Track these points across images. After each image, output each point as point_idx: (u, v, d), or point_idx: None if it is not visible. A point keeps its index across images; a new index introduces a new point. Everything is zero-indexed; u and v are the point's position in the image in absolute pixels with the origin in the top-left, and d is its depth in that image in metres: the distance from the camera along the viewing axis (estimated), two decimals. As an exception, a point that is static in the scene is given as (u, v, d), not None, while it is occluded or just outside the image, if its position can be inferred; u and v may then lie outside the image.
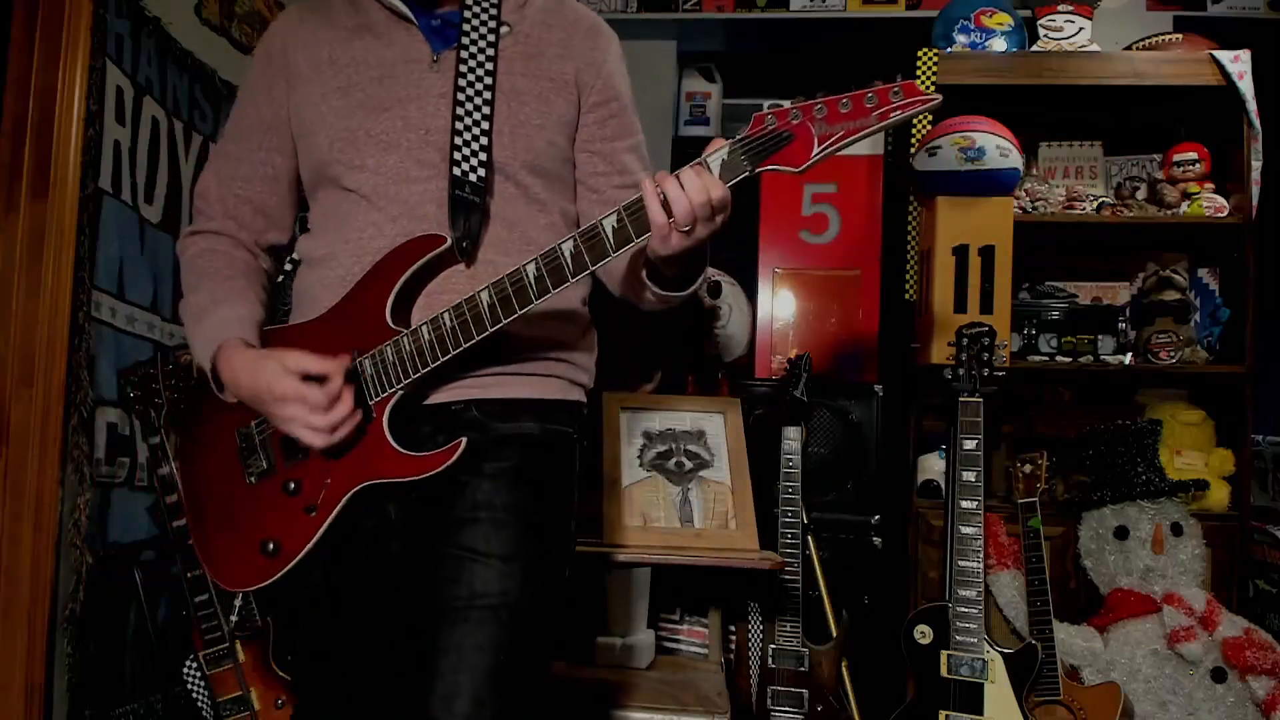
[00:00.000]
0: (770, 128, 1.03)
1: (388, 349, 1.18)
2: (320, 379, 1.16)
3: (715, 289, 2.78)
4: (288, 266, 1.50)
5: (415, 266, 1.18)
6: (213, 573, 1.31)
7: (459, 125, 1.26)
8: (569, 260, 1.10)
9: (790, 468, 2.42)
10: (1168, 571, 2.39)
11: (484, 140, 1.26)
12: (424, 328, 1.16)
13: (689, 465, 2.34)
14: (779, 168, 1.04)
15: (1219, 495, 2.58)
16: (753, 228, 3.01)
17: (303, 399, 1.15)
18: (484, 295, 1.13)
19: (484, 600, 1.17)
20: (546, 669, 1.28)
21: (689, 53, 3.69)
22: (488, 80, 1.29)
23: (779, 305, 2.97)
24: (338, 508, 1.19)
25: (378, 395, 1.19)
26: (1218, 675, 2.28)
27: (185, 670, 2.12)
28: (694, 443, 2.37)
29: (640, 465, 2.33)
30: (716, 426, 2.39)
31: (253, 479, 1.26)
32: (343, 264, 1.27)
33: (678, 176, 1.07)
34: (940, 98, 0.97)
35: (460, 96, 1.27)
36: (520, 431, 1.27)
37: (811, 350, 2.64)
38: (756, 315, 2.95)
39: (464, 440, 1.15)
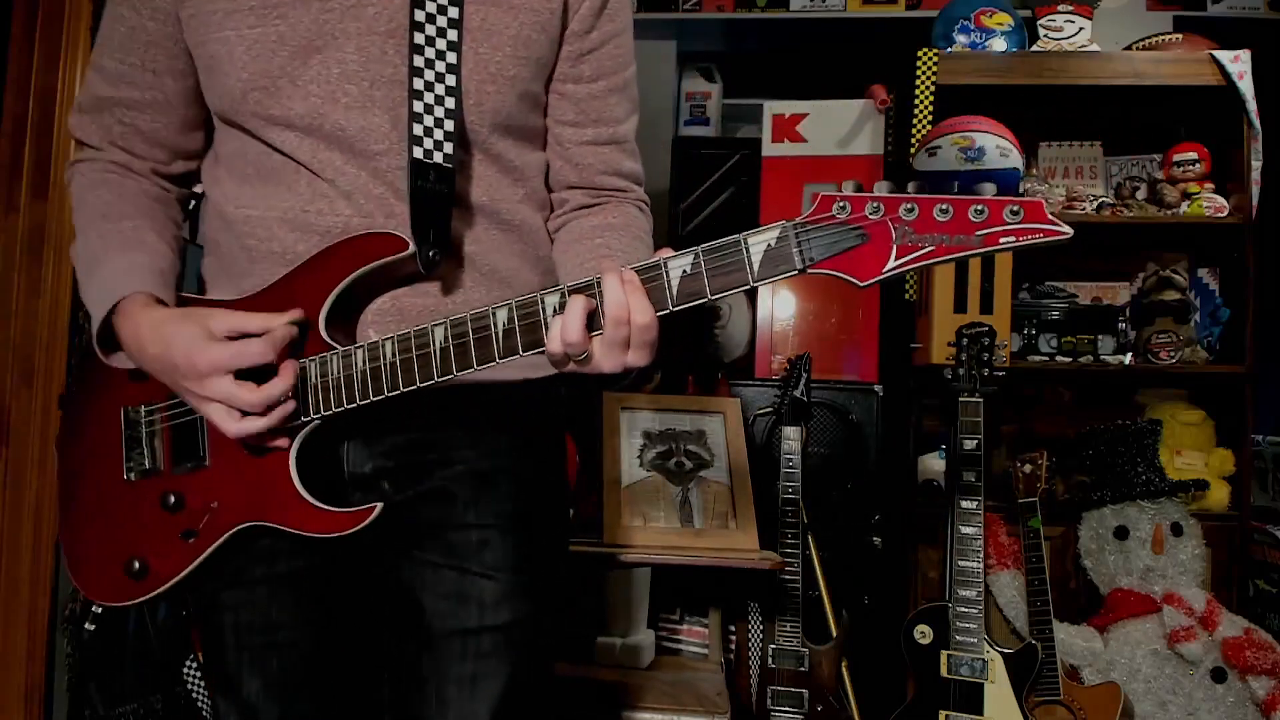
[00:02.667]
0: (841, 218, 0.81)
1: (311, 367, 0.95)
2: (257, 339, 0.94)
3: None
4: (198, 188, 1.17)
5: (361, 271, 0.95)
6: (74, 576, 1.09)
7: (418, 82, 0.97)
8: (549, 320, 0.87)
9: (790, 468, 2.42)
10: (1168, 571, 2.39)
11: (450, 102, 0.97)
12: (359, 352, 0.94)
13: (689, 465, 2.34)
14: (837, 274, 0.81)
15: (1219, 495, 2.58)
16: (753, 228, 3.01)
17: (235, 362, 0.91)
18: (438, 333, 0.91)
19: (494, 619, 1.04)
20: (553, 670, 1.17)
21: (689, 53, 3.69)
22: (452, 13, 0.98)
23: (779, 305, 2.96)
24: (218, 542, 1.00)
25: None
26: (1218, 675, 2.28)
27: (185, 670, 2.12)
28: (694, 443, 2.37)
29: (640, 465, 2.33)
30: (716, 426, 2.39)
31: (132, 476, 1.05)
32: (280, 239, 1.00)
33: (618, 278, 0.84)
34: (1070, 231, 0.77)
35: (419, 38, 0.97)
36: (519, 423, 1.09)
37: (811, 350, 2.64)
38: (756, 315, 2.95)
39: (379, 506, 0.95)
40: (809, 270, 0.82)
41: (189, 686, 2.12)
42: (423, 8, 0.97)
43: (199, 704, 2.12)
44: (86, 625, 1.96)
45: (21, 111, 1.93)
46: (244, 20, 0.97)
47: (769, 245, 0.83)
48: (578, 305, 0.85)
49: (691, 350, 2.80)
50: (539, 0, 1.03)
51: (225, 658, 1.05)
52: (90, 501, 1.08)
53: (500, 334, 0.89)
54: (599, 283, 0.86)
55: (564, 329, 0.85)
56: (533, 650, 1.08)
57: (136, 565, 1.03)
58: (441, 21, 0.98)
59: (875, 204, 0.80)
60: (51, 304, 1.92)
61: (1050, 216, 0.76)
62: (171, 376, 0.96)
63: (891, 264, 0.79)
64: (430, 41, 0.97)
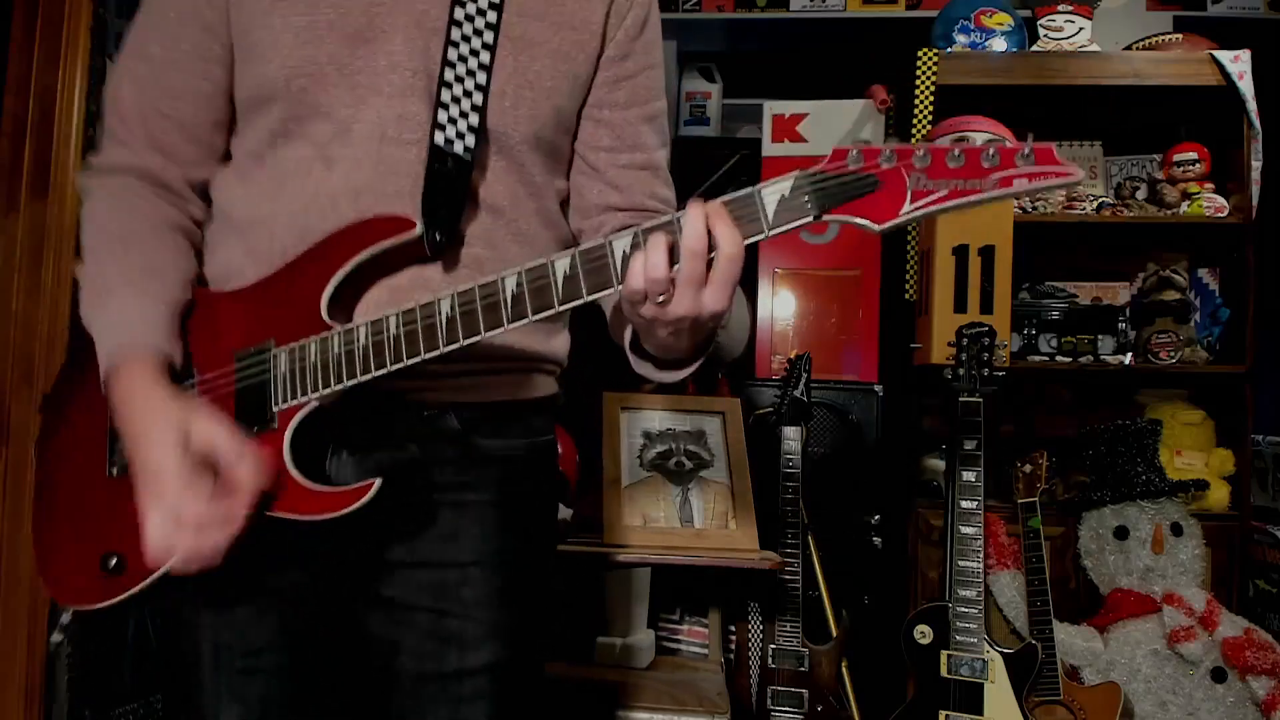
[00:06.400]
0: (853, 167, 0.80)
1: (311, 346, 0.93)
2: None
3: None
4: None
5: (368, 252, 0.94)
6: (45, 580, 1.03)
7: (449, 74, 0.99)
8: (559, 283, 0.86)
9: (790, 468, 2.41)
10: (1168, 571, 2.39)
11: (478, 98, 1.00)
12: (362, 329, 0.92)
13: (689, 465, 2.34)
14: (853, 219, 0.81)
15: (1219, 495, 2.58)
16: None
17: (183, 490, 0.88)
18: (444, 305, 0.90)
19: (476, 660, 1.03)
20: (538, 708, 1.13)
21: (689, 53, 3.69)
22: (490, 16, 1.01)
23: (779, 305, 2.96)
24: None
25: (286, 401, 0.93)
26: (1218, 675, 2.28)
27: (185, 670, 2.12)
28: (694, 443, 2.37)
29: (640, 465, 2.33)
30: (716, 426, 2.39)
31: (115, 470, 1.00)
32: (280, 239, 0.98)
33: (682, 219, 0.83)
34: (1081, 174, 0.78)
35: (455, 34, 1.00)
36: (506, 452, 1.07)
37: (811, 350, 2.64)
38: (756, 315, 2.95)
39: (376, 481, 0.91)
40: (823, 217, 0.82)
41: (189, 686, 2.11)
42: (463, 7, 1.00)
43: (199, 704, 2.11)
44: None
45: (21, 111, 1.93)
46: (293, 8, 0.98)
47: (783, 195, 0.82)
48: (659, 241, 0.84)
49: (691, 350, 2.80)
50: (579, 19, 1.07)
51: (202, 684, 1.02)
52: (67, 501, 1.03)
53: (509, 299, 0.88)
54: (677, 220, 0.84)
55: (648, 265, 0.83)
56: (517, 690, 1.07)
57: (114, 561, 0.96)
58: (479, 23, 1.01)
59: (888, 153, 0.80)
60: (51, 304, 1.92)
61: (1060, 159, 0.77)
62: (132, 449, 0.93)
63: (907, 207, 0.79)
64: (466, 39, 1.00)
